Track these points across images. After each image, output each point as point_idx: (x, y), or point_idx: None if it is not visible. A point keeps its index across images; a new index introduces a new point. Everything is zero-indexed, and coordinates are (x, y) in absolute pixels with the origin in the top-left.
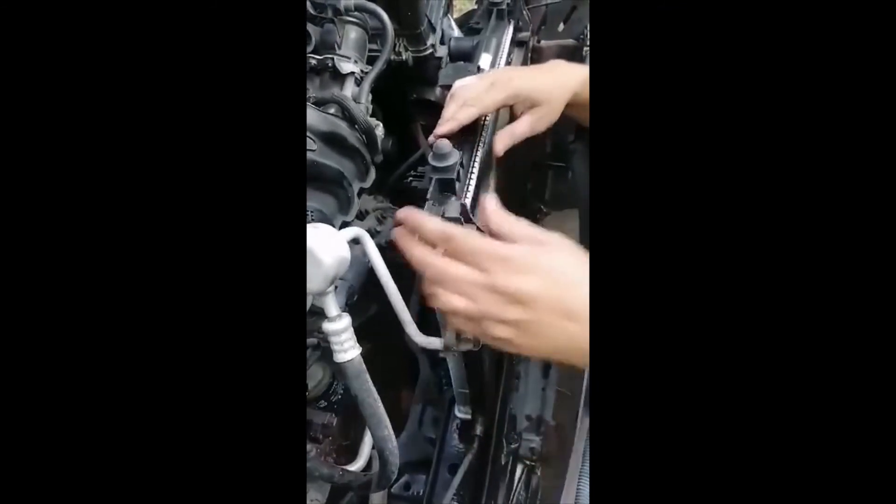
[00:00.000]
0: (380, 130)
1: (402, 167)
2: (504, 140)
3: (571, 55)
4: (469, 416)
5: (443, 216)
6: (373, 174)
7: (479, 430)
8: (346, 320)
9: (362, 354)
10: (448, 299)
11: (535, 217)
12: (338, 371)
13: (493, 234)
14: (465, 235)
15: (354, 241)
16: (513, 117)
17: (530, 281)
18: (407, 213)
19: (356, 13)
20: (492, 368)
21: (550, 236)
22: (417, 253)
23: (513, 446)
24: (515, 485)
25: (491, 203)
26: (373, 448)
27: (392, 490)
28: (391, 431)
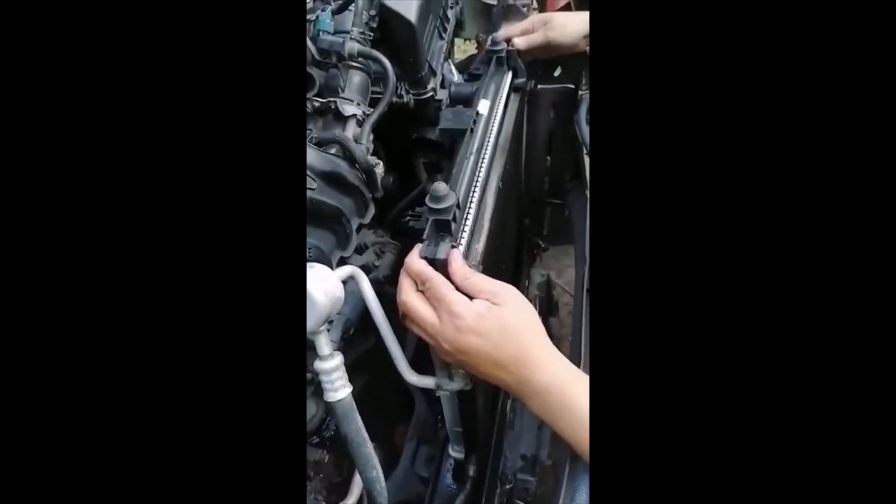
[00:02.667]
0: (380, 169)
1: (402, 203)
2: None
3: (567, 99)
4: (462, 456)
5: (427, 257)
6: (372, 210)
7: (472, 470)
8: (338, 359)
9: (358, 388)
10: (412, 328)
11: (533, 252)
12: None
13: (457, 288)
14: (437, 283)
15: (350, 279)
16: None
17: (470, 340)
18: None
19: (360, 59)
20: (486, 407)
21: (505, 293)
22: (402, 285)
23: (507, 486)
24: None
25: (455, 259)
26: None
27: None
28: (380, 472)
